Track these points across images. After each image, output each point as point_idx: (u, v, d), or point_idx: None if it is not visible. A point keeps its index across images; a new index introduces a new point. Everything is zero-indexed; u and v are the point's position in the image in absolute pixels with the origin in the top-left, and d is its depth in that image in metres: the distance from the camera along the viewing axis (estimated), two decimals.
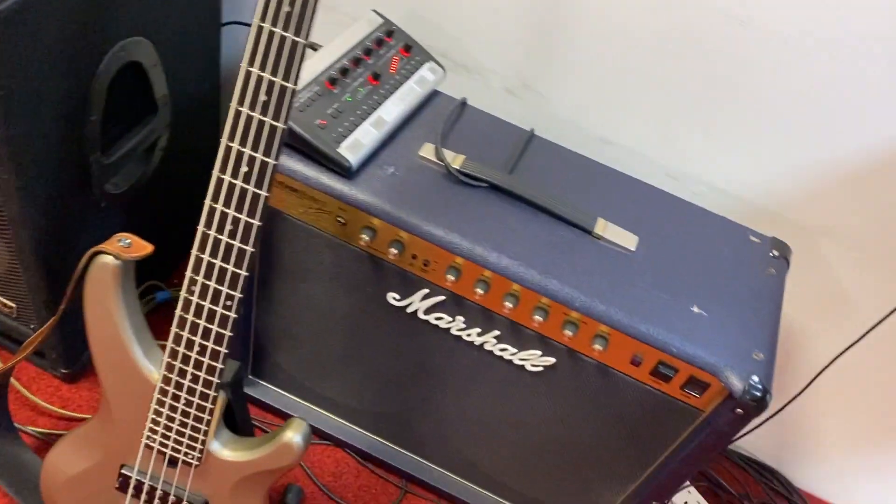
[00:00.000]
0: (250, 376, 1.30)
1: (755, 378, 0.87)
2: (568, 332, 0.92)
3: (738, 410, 0.88)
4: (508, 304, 0.93)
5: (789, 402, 1.26)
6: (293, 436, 0.89)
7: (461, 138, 1.03)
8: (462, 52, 1.16)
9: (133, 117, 1.11)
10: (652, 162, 1.15)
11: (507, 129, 1.07)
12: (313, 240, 1.00)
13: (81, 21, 0.90)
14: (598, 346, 0.92)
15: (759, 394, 0.86)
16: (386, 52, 1.04)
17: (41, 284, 1.08)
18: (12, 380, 1.21)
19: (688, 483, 1.38)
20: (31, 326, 1.17)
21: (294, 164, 0.93)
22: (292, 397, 1.28)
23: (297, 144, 0.92)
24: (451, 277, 0.93)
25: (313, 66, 0.97)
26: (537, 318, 0.92)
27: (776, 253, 1.02)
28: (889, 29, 0.93)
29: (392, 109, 0.99)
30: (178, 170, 1.26)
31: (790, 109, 1.03)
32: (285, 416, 1.29)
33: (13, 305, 1.15)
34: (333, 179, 0.92)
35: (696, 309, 0.92)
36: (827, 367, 1.20)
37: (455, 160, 0.98)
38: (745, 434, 1.34)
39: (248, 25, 1.29)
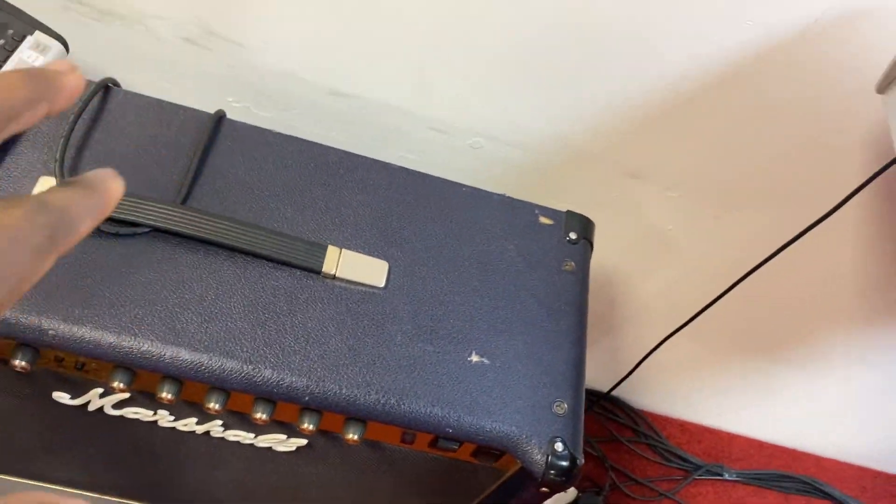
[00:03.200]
0: None
1: (559, 446, 0.64)
2: (309, 426, 0.65)
3: (544, 489, 0.66)
4: (214, 405, 0.64)
5: (632, 371, 1.08)
6: None
7: (104, 150, 0.68)
8: None
9: None
10: (407, 114, 0.84)
11: (181, 119, 0.72)
12: None
13: None
14: (353, 436, 0.66)
15: (565, 464, 0.64)
16: None
17: None
18: None
19: None
20: None
21: None
22: (14, 479, 0.98)
23: None
24: (120, 384, 0.63)
25: None
26: (261, 415, 0.64)
27: (574, 236, 0.76)
28: None
29: None
30: None
31: (574, 34, 0.74)
32: None
33: None
34: None
35: (474, 357, 0.67)
36: (663, 342, 1.01)
37: None
38: None
39: None
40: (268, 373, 0.62)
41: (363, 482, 0.79)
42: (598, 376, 1.30)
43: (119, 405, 0.70)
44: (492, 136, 0.85)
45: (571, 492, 1.18)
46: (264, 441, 0.72)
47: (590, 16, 0.72)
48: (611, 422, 1.31)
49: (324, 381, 0.62)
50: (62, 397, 0.70)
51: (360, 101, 0.84)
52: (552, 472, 0.64)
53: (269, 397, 0.62)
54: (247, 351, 0.62)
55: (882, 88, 0.65)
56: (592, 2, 0.71)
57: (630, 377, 1.32)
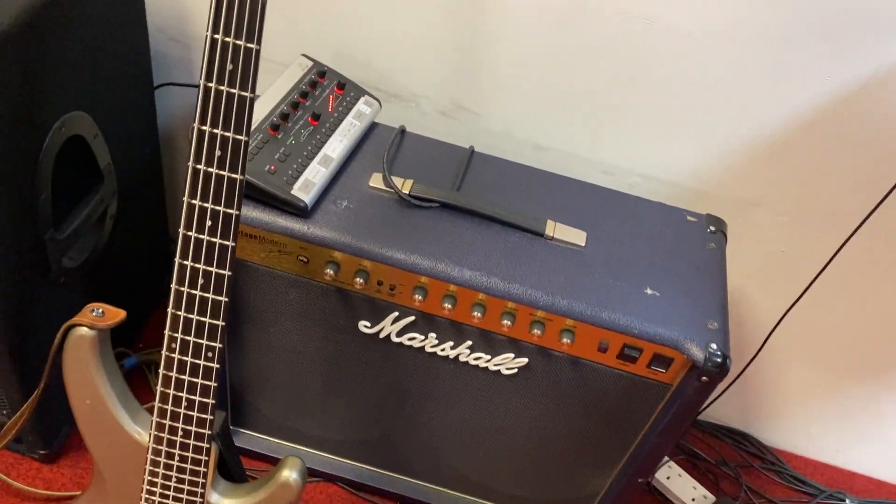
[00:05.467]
0: (231, 427, 1.30)
1: (714, 346, 0.93)
2: (536, 332, 0.97)
3: (704, 378, 0.93)
4: (477, 314, 0.97)
5: (746, 366, 1.34)
6: (290, 473, 0.91)
7: (406, 164, 1.08)
8: (392, 83, 1.21)
9: (80, 189, 1.12)
10: (586, 161, 1.22)
11: (448, 150, 1.12)
12: (277, 282, 1.03)
13: (22, 103, 0.91)
14: (566, 340, 0.96)
15: (719, 359, 0.92)
16: (321, 93, 1.08)
17: (8, 369, 1.07)
18: None
19: (666, 458, 1.44)
20: (4, 412, 1.16)
21: (250, 211, 0.96)
22: (276, 440, 1.30)
23: (250, 192, 0.95)
24: (418, 297, 0.97)
25: (255, 115, 1.00)
26: (506, 322, 0.97)
27: (713, 228, 1.09)
28: (786, 16, 1.02)
29: (336, 146, 1.03)
30: (130, 235, 1.27)
31: (701, 97, 1.11)
32: (271, 461, 1.30)
33: None
34: (291, 221, 0.96)
35: (649, 291, 0.98)
36: (775, 327, 1.28)
37: (404, 185, 1.02)
38: (710, 403, 1.42)
39: (181, 86, 1.32)
40: (516, 286, 0.95)
41: (562, 408, 1.07)
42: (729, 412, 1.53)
43: (403, 331, 1.04)
44: (645, 176, 1.21)
45: (710, 497, 1.38)
46: (496, 363, 1.03)
47: (712, 83, 1.10)
48: (743, 451, 1.52)
49: (552, 295, 0.95)
50: (364, 325, 1.04)
51: (554, 153, 1.22)
52: (710, 364, 0.92)
53: (518, 303, 0.95)
54: (503, 272, 0.96)
55: None
56: (715, 74, 1.09)
57: (759, 414, 1.54)
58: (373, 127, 1.12)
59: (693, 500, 1.38)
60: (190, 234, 0.76)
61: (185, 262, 0.78)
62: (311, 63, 1.10)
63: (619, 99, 1.15)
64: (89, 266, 1.16)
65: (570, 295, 0.95)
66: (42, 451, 1.23)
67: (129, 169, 1.20)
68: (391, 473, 1.29)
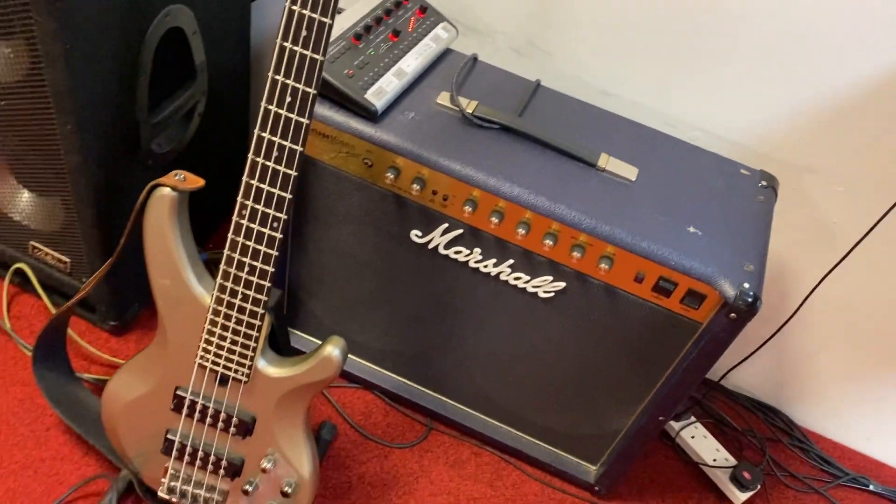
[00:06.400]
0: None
1: (746, 285, 0.96)
2: (576, 255, 1.02)
3: (732, 315, 0.97)
4: (521, 231, 1.02)
5: (781, 326, 1.34)
6: (333, 349, 0.99)
7: (474, 88, 1.14)
8: (471, 16, 1.27)
9: (174, 82, 1.21)
10: (650, 111, 1.25)
11: (516, 80, 1.17)
12: (343, 183, 1.10)
13: None
14: (604, 266, 1.01)
15: (750, 298, 0.96)
16: (404, 13, 1.15)
17: (96, 236, 1.18)
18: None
19: (693, 419, 1.47)
20: (84, 280, 1.27)
21: (325, 111, 1.03)
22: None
23: (328, 93, 1.03)
24: (468, 209, 1.03)
25: (340, 24, 1.08)
26: (548, 242, 1.02)
27: (765, 183, 1.12)
28: None
29: (411, 62, 1.10)
30: (212, 136, 1.37)
31: (773, 57, 1.14)
32: None
33: (68, 260, 1.25)
34: (361, 123, 1.03)
35: (692, 229, 1.02)
36: (813, 290, 1.28)
37: (469, 105, 1.08)
38: (744, 360, 1.42)
39: None
40: (562, 207, 1.00)
41: (593, 338, 1.12)
42: (759, 382, 1.55)
43: (450, 244, 1.10)
44: (707, 131, 1.24)
45: (731, 460, 1.41)
46: (535, 284, 1.09)
47: (785, 43, 1.12)
48: (772, 425, 1.54)
49: (596, 219, 1.00)
50: (416, 234, 1.11)
51: (620, 100, 1.26)
52: (741, 301, 0.96)
53: (561, 223, 1.00)
54: (552, 193, 1.01)
55: None
56: (789, 34, 1.11)
57: (793, 391, 1.55)
58: (447, 52, 1.19)
59: (714, 460, 1.41)
60: (270, 108, 0.84)
61: (263, 135, 0.85)
62: None
63: (692, 52, 1.18)
64: (173, 157, 1.26)
65: (613, 222, 1.00)
66: (112, 323, 1.34)
67: (220, 72, 1.29)
68: (424, 389, 1.36)
